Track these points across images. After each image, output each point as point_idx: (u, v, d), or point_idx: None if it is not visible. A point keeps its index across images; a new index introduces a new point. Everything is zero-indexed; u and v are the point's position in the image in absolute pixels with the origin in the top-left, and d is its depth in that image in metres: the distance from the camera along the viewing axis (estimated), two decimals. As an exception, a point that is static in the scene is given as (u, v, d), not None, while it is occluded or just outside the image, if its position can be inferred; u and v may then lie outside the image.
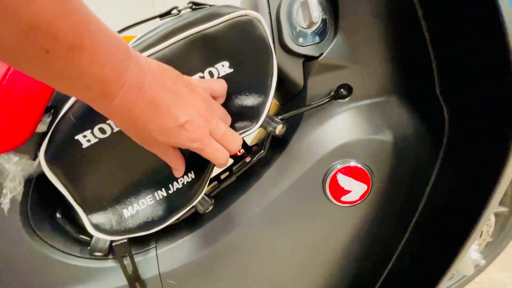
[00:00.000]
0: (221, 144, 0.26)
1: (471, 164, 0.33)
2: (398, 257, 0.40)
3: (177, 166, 0.29)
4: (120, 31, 0.32)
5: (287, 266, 0.41)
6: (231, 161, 0.39)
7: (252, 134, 0.34)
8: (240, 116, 0.31)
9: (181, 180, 0.33)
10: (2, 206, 0.29)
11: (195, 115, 0.24)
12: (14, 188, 0.29)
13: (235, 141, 0.27)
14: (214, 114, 0.26)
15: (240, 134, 0.31)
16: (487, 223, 0.66)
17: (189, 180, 0.33)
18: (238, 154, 0.39)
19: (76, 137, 0.27)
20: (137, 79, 0.21)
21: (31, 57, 0.16)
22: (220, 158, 0.27)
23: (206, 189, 0.33)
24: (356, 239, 0.40)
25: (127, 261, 0.35)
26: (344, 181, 0.36)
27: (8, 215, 0.31)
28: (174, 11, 0.31)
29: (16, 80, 0.25)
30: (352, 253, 0.41)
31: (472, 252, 0.63)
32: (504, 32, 0.25)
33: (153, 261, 0.37)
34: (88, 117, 0.27)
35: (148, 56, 0.27)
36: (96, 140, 0.28)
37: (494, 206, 0.32)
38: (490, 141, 0.30)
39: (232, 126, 0.31)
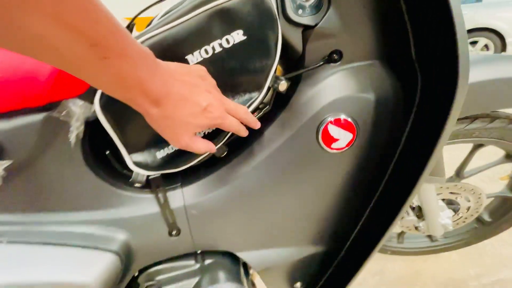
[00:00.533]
0: (233, 116, 0.34)
1: (432, 113, 0.41)
2: (380, 194, 0.49)
3: (207, 147, 0.35)
4: (143, 10, 0.39)
5: (286, 205, 0.49)
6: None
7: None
8: (252, 76, 0.38)
9: (204, 132, 0.40)
10: (70, 140, 0.37)
11: (211, 98, 0.31)
12: (78, 127, 0.36)
13: (243, 111, 0.35)
14: (221, 95, 0.34)
15: (254, 93, 0.39)
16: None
17: (210, 131, 0.40)
18: None
19: None
20: (164, 78, 0.27)
21: (92, 64, 0.22)
22: (236, 126, 0.34)
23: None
24: (344, 181, 0.48)
25: (160, 194, 0.44)
26: (334, 131, 0.44)
27: (73, 150, 0.38)
28: None
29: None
30: (341, 194, 0.49)
31: (444, 218, 0.72)
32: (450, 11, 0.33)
33: (179, 196, 0.45)
34: None
35: (178, 25, 0.34)
36: None
37: (444, 142, 0.40)
38: (443, 97, 0.38)
39: (245, 88, 0.39)
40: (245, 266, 0.57)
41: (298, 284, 0.61)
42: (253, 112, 0.41)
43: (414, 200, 0.74)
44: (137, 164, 0.40)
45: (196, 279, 0.50)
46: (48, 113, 0.36)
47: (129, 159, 0.39)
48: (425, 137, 0.41)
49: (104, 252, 0.42)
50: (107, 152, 0.45)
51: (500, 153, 0.70)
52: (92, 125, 0.40)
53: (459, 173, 0.73)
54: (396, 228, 0.85)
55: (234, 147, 0.47)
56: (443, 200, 0.73)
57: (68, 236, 0.42)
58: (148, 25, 0.41)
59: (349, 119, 0.43)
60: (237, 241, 0.52)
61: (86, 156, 0.41)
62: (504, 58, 0.51)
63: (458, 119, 0.59)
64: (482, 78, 0.48)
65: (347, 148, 0.45)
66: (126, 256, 0.45)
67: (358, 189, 0.50)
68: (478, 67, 0.48)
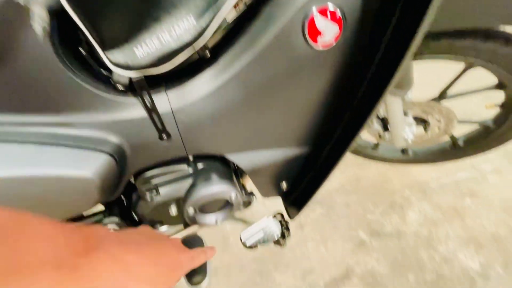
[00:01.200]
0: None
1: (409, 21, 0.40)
2: (358, 98, 0.51)
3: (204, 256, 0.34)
4: None
5: (273, 106, 0.50)
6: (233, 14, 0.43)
7: None
8: None
9: (182, 26, 0.38)
10: (36, 32, 0.33)
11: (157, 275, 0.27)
12: (41, 16, 0.33)
13: (199, 259, 0.34)
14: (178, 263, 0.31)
15: None
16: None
17: (189, 26, 0.38)
18: None
19: None
20: None
21: None
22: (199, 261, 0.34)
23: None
24: (327, 83, 0.49)
25: (146, 98, 0.43)
26: (321, 22, 0.42)
27: (43, 45, 0.36)
28: None
29: None
30: (324, 96, 0.50)
31: (407, 132, 0.77)
32: None
33: (165, 100, 0.45)
34: None
35: None
36: None
37: (412, 51, 0.41)
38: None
39: None
40: (236, 171, 0.61)
41: (284, 183, 0.64)
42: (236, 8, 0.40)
43: (382, 111, 0.79)
44: (116, 64, 0.38)
45: (189, 181, 0.54)
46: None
47: (106, 58, 0.37)
48: (399, 45, 0.41)
49: (98, 153, 0.43)
50: (81, 49, 0.42)
51: (492, 80, 0.68)
52: (61, 16, 0.35)
53: (442, 94, 0.74)
54: (372, 139, 0.95)
55: (218, 48, 0.45)
56: (416, 118, 0.78)
57: (60, 137, 0.42)
58: None
59: (336, 9, 0.41)
60: (227, 144, 0.54)
61: (58, 53, 0.38)
62: None
63: (448, 33, 0.56)
64: None
65: (334, 44, 0.44)
66: (120, 158, 0.46)
67: (339, 91, 0.51)
68: None
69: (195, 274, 0.55)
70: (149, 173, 0.53)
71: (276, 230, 0.57)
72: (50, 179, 0.40)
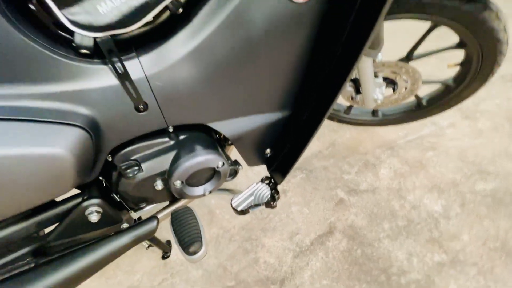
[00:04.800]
0: None
1: None
2: (335, 58, 0.50)
3: None
4: None
5: (253, 69, 0.48)
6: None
7: None
8: None
9: None
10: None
11: None
12: None
13: None
14: None
15: None
16: None
17: None
18: None
19: None
20: None
21: None
22: None
23: None
24: (305, 42, 0.48)
25: (116, 64, 0.38)
26: None
27: None
28: None
29: None
30: (302, 57, 0.50)
31: (377, 93, 0.81)
32: None
33: (137, 66, 0.41)
34: None
35: None
36: None
37: (384, 12, 0.41)
38: None
39: None
40: (219, 141, 0.60)
41: (268, 150, 0.64)
42: None
43: (354, 73, 0.81)
44: (75, 23, 0.34)
45: (173, 153, 0.51)
46: None
47: (63, 16, 0.33)
48: (373, 4, 0.41)
49: (69, 127, 0.39)
50: (31, 6, 0.36)
51: (454, 40, 0.73)
52: None
53: (409, 55, 0.78)
54: (345, 102, 0.98)
55: (192, 3, 0.41)
56: (385, 78, 0.82)
57: (23, 111, 0.37)
58: None
59: None
60: (208, 112, 0.51)
61: (3, 11, 0.32)
62: None
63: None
64: None
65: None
66: (95, 132, 0.42)
67: (317, 51, 0.50)
68: None
69: (190, 243, 0.56)
70: (128, 148, 0.50)
71: (266, 193, 0.59)
72: (16, 158, 0.35)
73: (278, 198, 0.59)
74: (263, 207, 0.59)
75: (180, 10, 0.41)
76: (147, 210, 0.63)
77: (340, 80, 0.49)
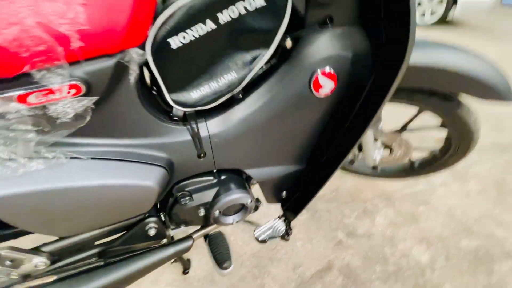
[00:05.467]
0: None
1: (390, 64, 0.57)
2: (346, 127, 0.69)
3: None
4: None
5: (282, 134, 0.66)
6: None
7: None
8: (264, 35, 0.54)
9: (226, 78, 0.56)
10: (130, 81, 0.47)
11: None
12: (135, 70, 0.46)
13: None
14: None
15: (263, 49, 0.56)
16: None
17: (231, 78, 0.57)
18: None
19: (167, 40, 0.48)
20: None
21: None
22: None
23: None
24: (323, 118, 0.66)
25: (193, 126, 0.58)
26: (322, 79, 0.59)
27: (131, 89, 0.49)
28: None
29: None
30: (319, 126, 0.68)
31: (376, 154, 0.99)
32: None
33: (204, 127, 0.60)
34: (176, 26, 0.47)
35: None
36: (180, 44, 0.48)
37: (388, 99, 0.59)
38: (398, 50, 0.53)
39: (257, 45, 0.55)
40: (247, 181, 0.74)
41: (284, 193, 0.80)
42: (262, 66, 0.58)
43: None
44: (175, 101, 0.55)
45: (215, 189, 0.69)
46: (119, 59, 0.44)
47: (169, 97, 0.54)
48: (377, 93, 0.60)
49: (156, 167, 0.56)
50: (154, 92, 0.58)
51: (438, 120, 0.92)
52: (142, 69, 0.52)
53: (404, 128, 0.97)
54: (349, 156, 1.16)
55: (246, 91, 0.62)
56: (384, 144, 1.00)
57: (132, 155, 0.55)
58: None
59: (333, 71, 0.59)
60: (246, 161, 0.69)
61: (139, 94, 0.51)
62: (447, 48, 0.67)
63: (406, 89, 0.78)
64: (429, 63, 0.66)
65: (330, 94, 0.62)
66: (171, 170, 0.59)
67: (331, 124, 0.68)
68: (427, 52, 0.66)
69: (224, 260, 0.70)
70: (184, 182, 0.68)
71: (282, 228, 0.74)
72: (120, 187, 0.52)
73: (291, 233, 0.75)
74: (278, 239, 0.74)
75: (241, 96, 0.62)
76: (181, 230, 0.79)
77: (348, 146, 0.68)
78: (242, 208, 0.74)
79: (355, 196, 1.30)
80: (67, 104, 0.42)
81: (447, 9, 4.09)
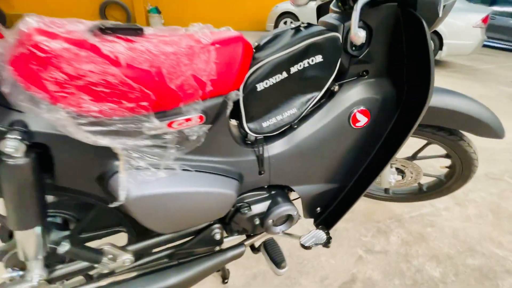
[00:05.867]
0: None
1: (412, 108, 0.77)
2: (374, 154, 0.87)
3: None
4: None
5: (324, 157, 0.82)
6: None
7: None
8: (318, 82, 0.74)
9: (290, 112, 0.74)
10: (226, 114, 0.63)
11: None
12: (231, 106, 0.61)
13: None
14: None
15: (316, 92, 0.75)
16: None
17: (293, 113, 0.75)
18: None
19: (256, 85, 0.66)
20: None
21: None
22: None
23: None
24: (357, 146, 0.84)
25: (260, 148, 0.75)
26: (358, 116, 0.80)
27: (225, 120, 0.65)
28: (300, 26, 0.72)
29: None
30: (353, 153, 0.84)
31: (391, 178, 1.16)
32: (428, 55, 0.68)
33: (266, 150, 0.76)
34: (262, 75, 0.66)
35: (290, 51, 0.69)
36: (262, 88, 0.67)
37: (411, 133, 0.78)
38: (419, 99, 0.73)
39: (312, 89, 0.75)
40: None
41: (318, 209, 0.94)
42: (314, 103, 0.77)
43: None
44: (250, 129, 0.72)
45: (269, 202, 0.82)
46: (225, 98, 0.61)
47: (246, 126, 0.71)
48: (401, 128, 0.79)
49: (234, 180, 0.71)
50: (235, 123, 0.75)
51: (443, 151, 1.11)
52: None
53: (414, 156, 1.15)
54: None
55: (300, 122, 0.79)
56: (397, 169, 1.17)
57: (218, 169, 0.70)
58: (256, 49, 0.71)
59: (367, 109, 0.79)
60: (294, 178, 0.83)
61: (229, 129, 0.68)
62: (453, 93, 0.88)
63: (418, 125, 0.97)
64: (438, 105, 0.85)
65: (364, 126, 0.82)
66: (241, 184, 0.73)
67: (363, 151, 0.85)
68: (437, 96, 0.86)
69: (281, 261, 0.82)
70: (244, 195, 0.82)
71: (323, 237, 0.87)
72: (214, 193, 0.66)
73: (331, 241, 0.88)
74: (320, 246, 0.87)
75: (295, 125, 0.79)
76: (233, 238, 0.91)
77: (378, 169, 0.84)
78: (287, 219, 0.87)
79: (369, 217, 1.44)
80: (195, 129, 0.58)
81: (435, 52, 4.56)
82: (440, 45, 4.46)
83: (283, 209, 0.82)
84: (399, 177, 1.20)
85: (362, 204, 1.50)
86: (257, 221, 0.83)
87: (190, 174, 0.64)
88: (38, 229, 0.57)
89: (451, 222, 1.43)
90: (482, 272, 1.18)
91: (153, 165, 0.58)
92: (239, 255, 0.85)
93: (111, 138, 0.49)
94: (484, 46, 7.85)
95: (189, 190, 0.62)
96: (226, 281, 1.05)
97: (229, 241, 0.90)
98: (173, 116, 0.54)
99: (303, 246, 0.85)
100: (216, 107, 0.61)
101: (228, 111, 0.65)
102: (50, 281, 0.69)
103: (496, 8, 7.47)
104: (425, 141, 1.07)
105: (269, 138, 0.79)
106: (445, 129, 0.97)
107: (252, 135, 0.74)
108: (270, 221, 0.82)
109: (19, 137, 0.45)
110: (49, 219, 0.75)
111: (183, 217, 0.66)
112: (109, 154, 0.54)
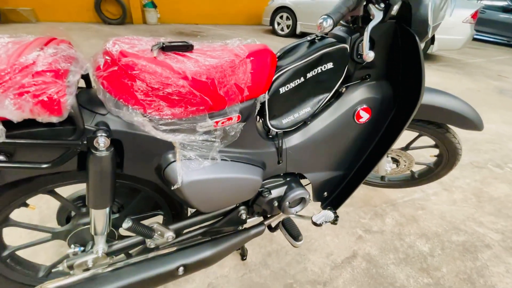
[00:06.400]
0: None
1: (406, 105, 0.93)
2: (374, 145, 1.03)
3: None
4: None
5: (331, 148, 0.96)
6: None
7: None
8: (328, 84, 0.88)
9: (304, 111, 0.90)
10: (255, 113, 0.77)
11: None
12: (258, 107, 0.76)
13: None
14: None
15: (327, 93, 0.90)
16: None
17: (307, 111, 0.90)
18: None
19: (279, 89, 0.81)
20: None
21: None
22: None
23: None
24: (360, 138, 0.99)
25: (279, 141, 0.88)
26: (361, 113, 0.94)
27: (253, 117, 0.78)
28: (315, 37, 0.85)
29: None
30: (356, 144, 1.01)
31: (387, 166, 1.32)
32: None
33: (283, 143, 0.89)
34: (285, 80, 0.80)
35: (307, 60, 0.83)
36: (284, 91, 0.81)
37: (406, 126, 0.94)
38: (413, 98, 0.89)
39: (323, 91, 0.90)
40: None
41: (325, 193, 1.09)
42: (325, 103, 0.91)
43: None
44: (272, 125, 0.85)
45: (285, 187, 0.95)
46: (256, 100, 0.74)
47: (269, 123, 0.84)
48: (397, 123, 0.94)
49: (259, 168, 0.83)
50: (260, 121, 0.88)
51: (432, 142, 1.27)
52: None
53: (407, 146, 1.31)
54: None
55: (312, 118, 0.93)
56: (392, 158, 1.33)
57: (247, 159, 0.83)
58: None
59: (369, 107, 0.95)
60: (307, 167, 0.97)
61: (256, 126, 0.81)
62: (440, 92, 1.03)
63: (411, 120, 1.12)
64: (428, 102, 1.01)
65: (365, 122, 0.96)
66: (264, 171, 0.87)
67: (364, 142, 1.01)
68: (428, 95, 1.01)
69: (298, 235, 0.98)
70: (266, 181, 0.97)
71: (332, 216, 1.03)
72: (245, 179, 0.81)
73: (338, 219, 1.03)
74: (329, 223, 1.02)
75: (308, 122, 0.93)
76: (253, 220, 1.06)
77: (377, 158, 1.00)
78: (300, 201, 1.02)
79: (367, 202, 1.60)
80: (234, 126, 0.71)
81: (426, 46, 4.73)
82: (431, 40, 4.63)
83: (298, 192, 0.96)
84: (394, 166, 1.36)
85: (361, 191, 1.67)
86: (276, 203, 0.97)
87: (227, 163, 0.78)
88: (107, 209, 0.70)
89: (439, 206, 1.61)
90: (465, 246, 1.36)
91: (201, 156, 0.71)
92: (260, 233, 1.00)
93: (174, 135, 0.62)
94: (474, 39, 8.08)
95: (227, 176, 0.76)
96: (244, 258, 1.20)
97: (250, 222, 1.05)
98: (219, 116, 0.67)
99: (314, 223, 1.00)
100: (249, 108, 0.74)
101: (256, 111, 0.78)
102: (107, 254, 0.83)
103: (486, 2, 7.68)
104: (416, 133, 1.23)
105: (286, 133, 0.93)
106: (434, 123, 1.12)
107: (273, 130, 0.88)
108: (286, 203, 0.97)
109: (105, 135, 0.58)
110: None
111: (222, 198, 0.79)
112: (167, 147, 0.68)
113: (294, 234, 1.00)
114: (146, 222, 0.89)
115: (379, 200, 1.62)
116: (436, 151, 1.30)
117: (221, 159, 0.76)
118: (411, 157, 1.30)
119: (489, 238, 1.41)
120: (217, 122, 0.68)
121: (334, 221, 1.02)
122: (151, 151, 0.68)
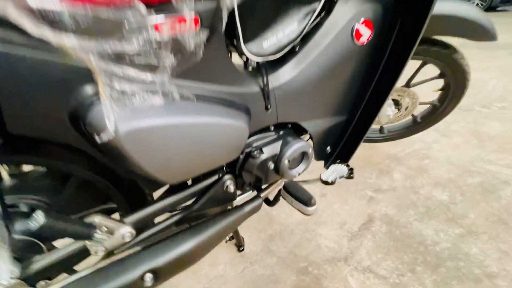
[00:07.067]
0: None
1: (414, 15, 0.71)
2: (378, 78, 0.79)
3: None
4: None
5: (329, 86, 0.74)
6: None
7: None
8: None
9: (290, 28, 0.63)
10: (221, 27, 0.51)
11: None
12: (225, 18, 0.48)
13: None
14: None
15: (317, 3, 0.65)
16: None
17: (293, 28, 0.64)
18: None
19: None
20: None
21: None
22: None
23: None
24: (361, 67, 0.76)
25: (264, 75, 0.64)
26: (361, 29, 0.71)
27: (221, 38, 0.53)
28: None
29: None
30: (358, 76, 0.77)
31: (389, 111, 1.13)
32: None
33: (269, 81, 0.65)
34: None
35: None
36: None
37: (424, 30, 0.70)
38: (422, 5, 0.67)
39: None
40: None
41: (328, 148, 0.88)
42: (315, 18, 0.67)
43: None
44: (250, 51, 0.61)
45: (280, 142, 0.73)
46: (217, 3, 0.48)
47: (245, 49, 0.59)
48: (405, 41, 0.72)
49: (242, 113, 0.60)
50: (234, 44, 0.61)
51: (437, 71, 1.09)
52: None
53: (408, 83, 1.12)
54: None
55: (301, 45, 0.69)
56: (393, 100, 1.14)
57: (221, 100, 0.58)
58: None
59: (370, 20, 0.71)
60: (302, 114, 0.75)
61: (224, 43, 0.56)
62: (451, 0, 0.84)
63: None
64: (435, 12, 0.81)
65: (367, 42, 0.73)
66: (249, 119, 0.62)
67: (368, 73, 0.77)
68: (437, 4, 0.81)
69: (309, 199, 0.73)
70: (252, 139, 0.71)
71: (345, 169, 0.80)
72: (223, 125, 0.55)
73: (353, 172, 0.81)
74: (343, 179, 0.80)
75: (297, 48, 0.69)
76: (245, 197, 0.80)
77: (384, 95, 0.78)
78: (302, 158, 0.78)
79: (367, 161, 1.41)
80: (191, 35, 0.44)
81: None
82: None
83: (297, 146, 0.72)
84: (396, 110, 1.17)
85: (360, 151, 1.47)
86: (271, 166, 0.73)
87: (195, 104, 0.51)
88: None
89: (443, 152, 1.46)
90: (484, 187, 1.21)
91: (144, 90, 0.44)
92: (257, 209, 0.75)
93: (79, 39, 0.34)
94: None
95: (196, 121, 0.50)
96: (242, 248, 0.94)
97: (241, 200, 0.79)
98: (164, 12, 0.41)
99: (325, 182, 0.77)
100: (210, 11, 0.48)
101: (223, 24, 0.52)
102: (27, 280, 0.52)
103: None
104: (419, 63, 1.04)
105: (271, 66, 0.68)
106: (439, 43, 0.94)
107: (252, 58, 0.62)
108: (285, 162, 0.72)
109: None
110: (10, 209, 0.57)
111: (191, 157, 0.53)
112: (82, 77, 0.40)
113: (303, 198, 0.75)
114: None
115: (380, 157, 1.44)
116: (441, 84, 1.13)
117: (181, 97, 0.50)
118: (415, 94, 1.12)
119: (504, 175, 1.28)
120: (161, 23, 0.41)
121: (349, 175, 0.79)
122: (50, 86, 0.39)
